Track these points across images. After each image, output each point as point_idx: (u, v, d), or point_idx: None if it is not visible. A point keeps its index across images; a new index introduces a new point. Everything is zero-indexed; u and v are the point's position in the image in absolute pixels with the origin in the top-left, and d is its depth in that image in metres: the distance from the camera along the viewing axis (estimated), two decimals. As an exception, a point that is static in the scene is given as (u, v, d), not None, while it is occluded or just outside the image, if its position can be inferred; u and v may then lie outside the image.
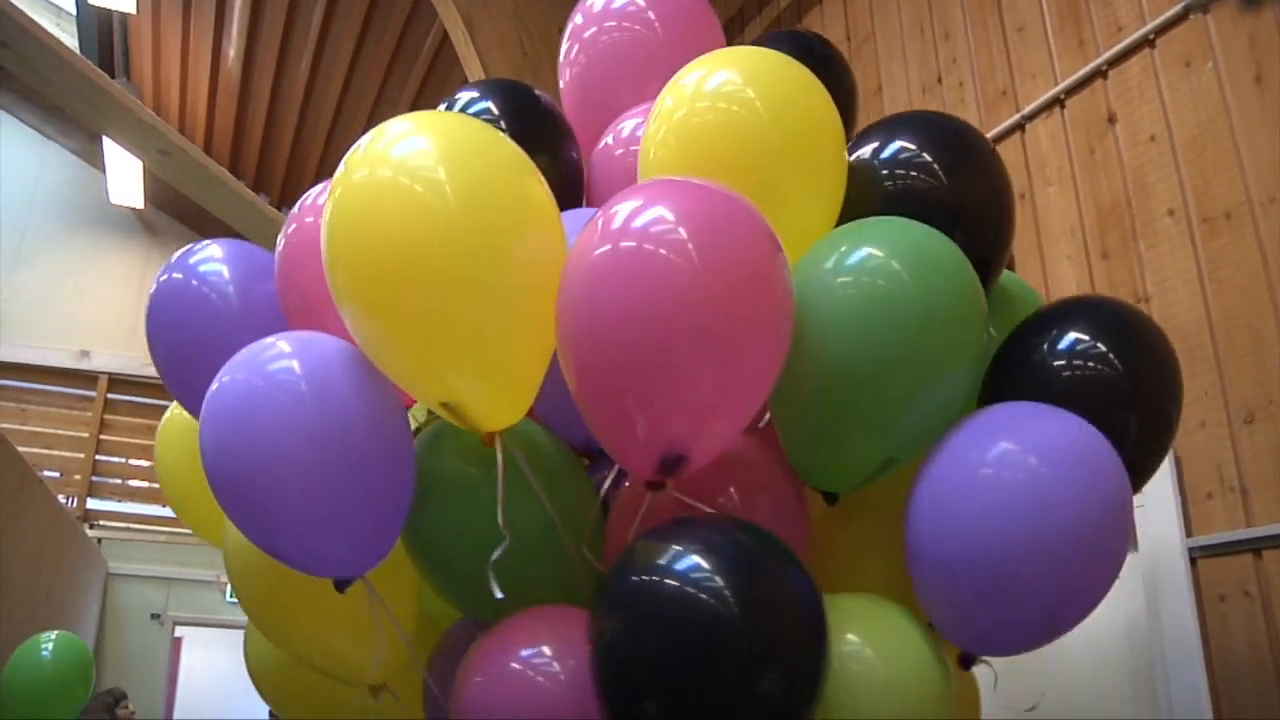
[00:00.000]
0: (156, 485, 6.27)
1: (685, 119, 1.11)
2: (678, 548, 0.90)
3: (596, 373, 0.95)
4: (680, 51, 1.39)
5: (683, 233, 0.91)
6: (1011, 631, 1.03)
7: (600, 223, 0.96)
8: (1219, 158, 1.93)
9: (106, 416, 6.36)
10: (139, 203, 6.66)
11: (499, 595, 0.99)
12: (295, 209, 1.26)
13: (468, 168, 0.97)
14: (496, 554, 0.98)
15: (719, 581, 0.87)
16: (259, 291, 1.29)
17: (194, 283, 1.29)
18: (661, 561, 0.90)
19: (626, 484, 1.16)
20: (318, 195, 1.24)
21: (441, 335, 0.96)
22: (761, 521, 1.03)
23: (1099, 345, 1.15)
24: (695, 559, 0.89)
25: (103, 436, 6.30)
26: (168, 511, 6.10)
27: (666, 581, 0.89)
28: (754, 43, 1.54)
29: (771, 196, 1.03)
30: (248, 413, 1.01)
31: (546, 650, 1.01)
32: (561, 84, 1.52)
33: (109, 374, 6.40)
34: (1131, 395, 1.14)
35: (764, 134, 1.08)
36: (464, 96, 1.32)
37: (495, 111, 1.29)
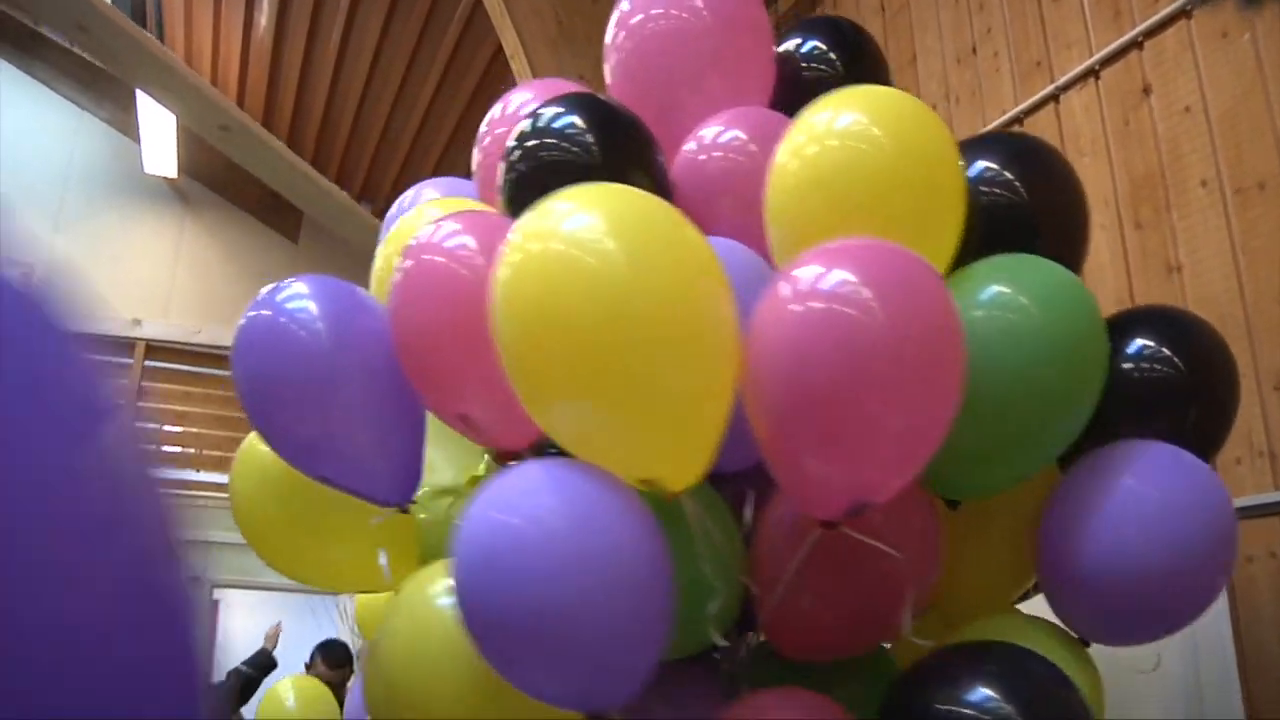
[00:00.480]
0: (192, 450, 6.41)
1: (817, 156, 1.17)
2: (964, 672, 1.04)
3: (796, 427, 1.02)
4: (729, 40, 1.42)
5: (871, 293, 1.00)
6: (1130, 632, 1.24)
7: (790, 287, 1.04)
8: (1254, 129, 1.96)
9: (143, 383, 6.49)
10: (172, 172, 6.76)
11: (722, 643, 1.07)
12: (412, 244, 1.24)
13: (644, 239, 1.02)
14: (713, 608, 1.05)
15: (1009, 708, 1.00)
16: (353, 327, 1.26)
17: (282, 319, 1.27)
18: (951, 689, 1.04)
19: (773, 513, 1.22)
20: (431, 235, 1.23)
21: (648, 410, 1.00)
22: (902, 533, 1.13)
23: (1164, 350, 1.28)
24: (984, 689, 1.02)
25: (140, 403, 6.44)
26: (205, 476, 6.24)
27: (962, 710, 1.01)
28: (789, 31, 1.58)
29: (900, 229, 1.10)
30: (504, 555, 0.99)
31: None
32: (607, 69, 1.52)
33: (146, 340, 6.53)
34: (1193, 391, 1.28)
35: (891, 169, 1.14)
36: (547, 112, 1.31)
37: (581, 125, 1.28)
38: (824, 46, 1.50)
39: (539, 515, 1.00)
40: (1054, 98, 2.40)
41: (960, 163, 1.21)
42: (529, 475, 1.05)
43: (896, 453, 1.02)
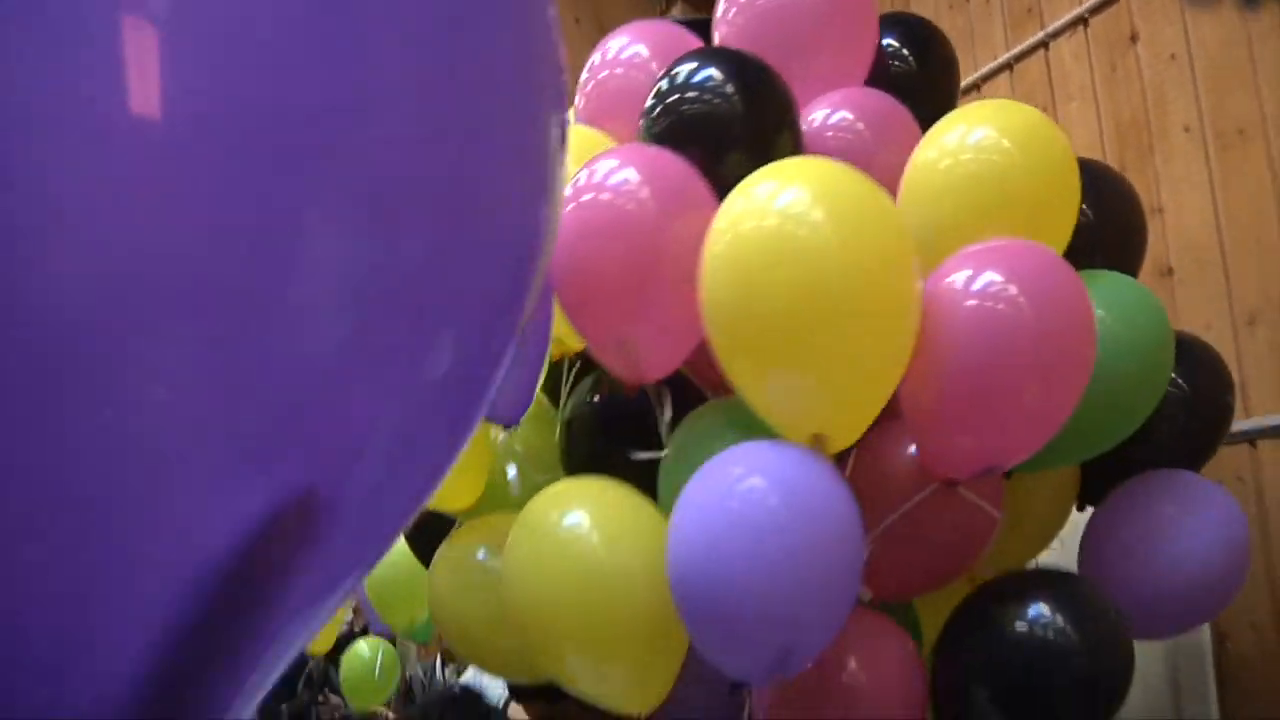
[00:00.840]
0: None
1: (951, 166, 1.27)
2: (1021, 597, 1.22)
3: (952, 405, 1.14)
4: (837, 19, 1.45)
5: (1017, 289, 1.13)
6: (1160, 633, 1.43)
7: (956, 282, 1.16)
8: (1236, 77, 2.06)
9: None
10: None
11: (867, 598, 1.18)
12: (570, 189, 1.24)
13: (849, 209, 1.09)
14: (864, 558, 1.11)
15: (1060, 620, 1.19)
16: None
17: None
18: (1010, 607, 1.23)
19: (873, 466, 1.30)
20: (590, 176, 1.24)
21: (845, 375, 1.08)
22: (981, 491, 1.24)
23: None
24: (1043, 605, 1.21)
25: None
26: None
27: (1016, 625, 1.21)
28: None
29: (1025, 232, 1.21)
30: (726, 540, 1.04)
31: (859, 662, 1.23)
32: (716, 40, 1.53)
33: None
34: (1195, 412, 1.44)
35: (1018, 178, 1.25)
36: (684, 68, 1.31)
37: (721, 78, 1.29)
38: (896, 44, 1.56)
39: (758, 498, 1.05)
40: (1044, 44, 2.48)
41: (1077, 172, 1.31)
42: (740, 458, 1.10)
43: (1033, 428, 1.15)
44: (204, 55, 0.50)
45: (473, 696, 1.50)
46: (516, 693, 1.65)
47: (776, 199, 1.08)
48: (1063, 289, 1.15)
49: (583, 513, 1.20)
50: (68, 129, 0.48)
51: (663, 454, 1.27)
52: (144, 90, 0.48)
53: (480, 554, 1.39)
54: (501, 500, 1.47)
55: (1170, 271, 2.13)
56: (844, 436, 1.14)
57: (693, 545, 1.07)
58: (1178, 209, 2.14)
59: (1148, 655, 1.91)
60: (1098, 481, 1.46)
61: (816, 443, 1.10)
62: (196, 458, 0.55)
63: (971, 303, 1.13)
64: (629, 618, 1.16)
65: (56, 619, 0.57)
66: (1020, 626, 1.19)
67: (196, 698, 0.60)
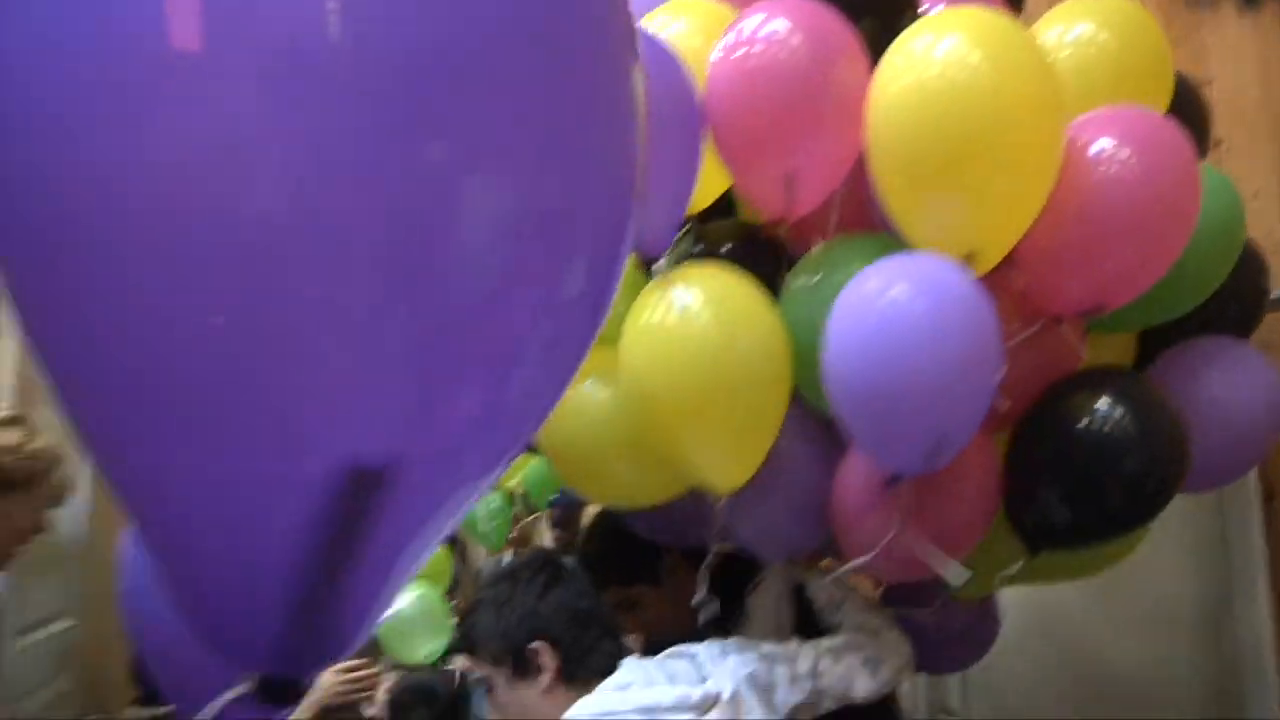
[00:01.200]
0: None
1: (1053, 63, 1.34)
2: (1087, 393, 1.30)
3: (1075, 250, 1.26)
4: None
5: (1130, 150, 1.25)
6: (1198, 484, 1.42)
7: (1082, 141, 1.26)
8: (1286, -58, 2.06)
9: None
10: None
11: (1005, 406, 1.27)
12: (720, 51, 1.31)
13: (1004, 53, 1.19)
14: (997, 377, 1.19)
15: (1122, 411, 1.27)
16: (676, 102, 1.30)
17: None
18: (1083, 401, 1.29)
19: None
20: (739, 33, 1.30)
21: (998, 199, 1.22)
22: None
23: None
24: (1110, 401, 1.28)
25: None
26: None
27: (1079, 421, 1.28)
28: None
29: None
30: (876, 339, 1.13)
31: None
32: None
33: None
34: (1237, 292, 1.51)
35: (1119, 66, 1.39)
36: None
37: None
38: None
39: (909, 300, 1.14)
40: (1091, -81, 2.47)
41: (1170, 58, 1.44)
42: (888, 269, 1.19)
43: (1139, 276, 1.28)
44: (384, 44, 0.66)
45: (554, 557, 1.63)
46: (595, 580, 1.79)
47: (936, 48, 1.19)
48: (1175, 153, 1.26)
49: (699, 290, 1.30)
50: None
51: (815, 279, 1.34)
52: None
53: (587, 385, 1.45)
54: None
55: (1219, 143, 2.16)
56: (993, 254, 1.23)
57: (853, 350, 1.17)
58: (1225, 80, 2.17)
59: (1201, 502, 2.03)
60: (1151, 352, 1.54)
61: (969, 260, 1.19)
62: (382, 370, 0.70)
63: (1095, 157, 1.24)
64: (736, 390, 1.27)
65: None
66: (1083, 423, 1.28)
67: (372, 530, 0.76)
